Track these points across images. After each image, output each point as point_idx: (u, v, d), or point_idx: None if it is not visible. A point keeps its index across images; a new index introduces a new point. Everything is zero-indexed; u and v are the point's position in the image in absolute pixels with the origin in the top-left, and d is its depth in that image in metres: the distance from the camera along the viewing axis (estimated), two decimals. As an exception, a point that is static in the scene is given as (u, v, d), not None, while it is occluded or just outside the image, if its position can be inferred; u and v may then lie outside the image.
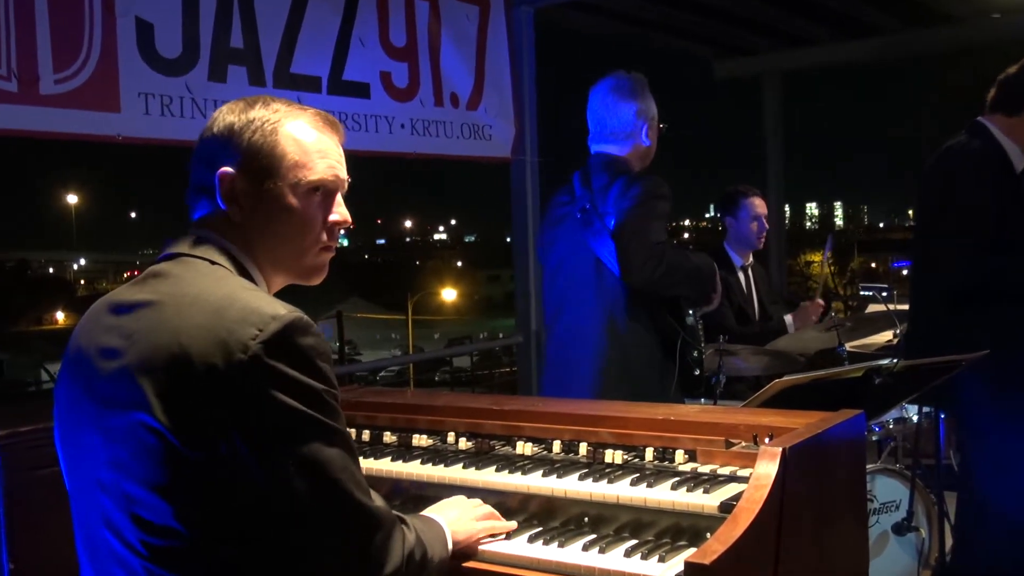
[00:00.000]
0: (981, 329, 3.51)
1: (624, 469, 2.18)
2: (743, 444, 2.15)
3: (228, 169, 1.80)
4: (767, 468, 1.86)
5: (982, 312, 3.58)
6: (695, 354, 3.43)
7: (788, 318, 5.25)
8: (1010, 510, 3.60)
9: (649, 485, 2.05)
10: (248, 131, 1.81)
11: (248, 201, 1.81)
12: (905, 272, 4.12)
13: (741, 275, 5.39)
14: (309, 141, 1.86)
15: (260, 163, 1.81)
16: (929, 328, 3.66)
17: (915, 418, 4.27)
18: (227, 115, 1.85)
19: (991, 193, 3.57)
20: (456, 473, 2.28)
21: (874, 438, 4.38)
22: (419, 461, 2.37)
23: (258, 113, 1.83)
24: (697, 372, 3.44)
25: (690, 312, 3.45)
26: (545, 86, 6.14)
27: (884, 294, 5.41)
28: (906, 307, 4.27)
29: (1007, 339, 3.44)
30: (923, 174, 3.82)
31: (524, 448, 2.35)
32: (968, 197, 3.59)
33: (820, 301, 5.27)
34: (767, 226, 5.43)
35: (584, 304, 3.54)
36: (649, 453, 2.20)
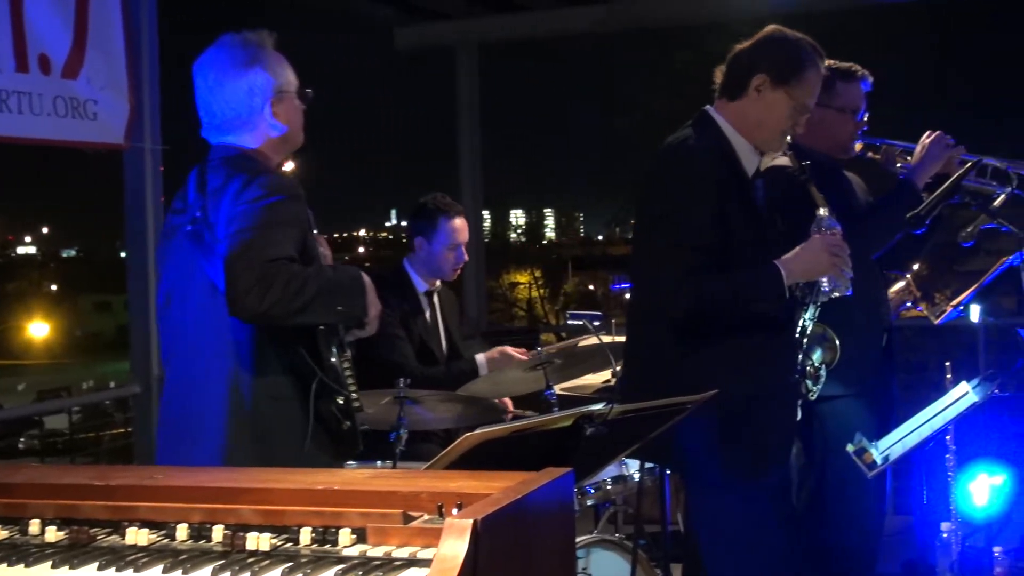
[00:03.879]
0: (698, 365, 3.69)
1: (272, 557, 2.16)
2: (426, 517, 2.18)
3: None
4: (453, 547, 1.90)
5: (699, 345, 3.73)
6: (340, 402, 3.36)
7: (480, 358, 5.40)
8: None
9: (305, 576, 2.05)
10: None
11: None
12: (628, 296, 4.32)
13: (425, 302, 5.51)
14: None
15: None
16: (643, 366, 3.82)
17: (636, 476, 4.47)
18: None
19: (713, 202, 3.71)
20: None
21: (589, 502, 4.59)
22: (-13, 561, 2.25)
23: None
24: (347, 425, 3.37)
25: (333, 347, 3.36)
26: (173, 50, 6.03)
27: (596, 324, 5.71)
28: (623, 339, 4.48)
29: (729, 376, 3.60)
30: (642, 178, 4.01)
31: (137, 536, 2.28)
32: (683, 208, 3.73)
33: (523, 352, 5.41)
34: (467, 257, 5.57)
35: (199, 344, 3.41)
36: (306, 535, 2.19)
